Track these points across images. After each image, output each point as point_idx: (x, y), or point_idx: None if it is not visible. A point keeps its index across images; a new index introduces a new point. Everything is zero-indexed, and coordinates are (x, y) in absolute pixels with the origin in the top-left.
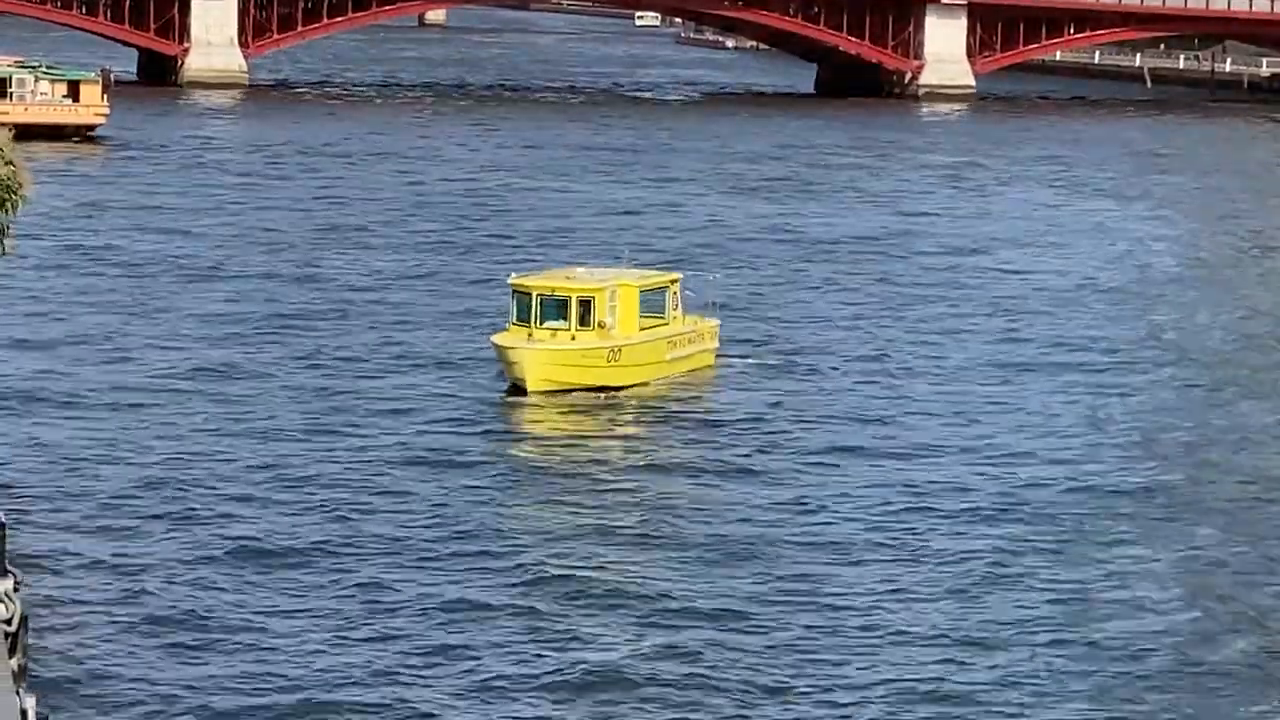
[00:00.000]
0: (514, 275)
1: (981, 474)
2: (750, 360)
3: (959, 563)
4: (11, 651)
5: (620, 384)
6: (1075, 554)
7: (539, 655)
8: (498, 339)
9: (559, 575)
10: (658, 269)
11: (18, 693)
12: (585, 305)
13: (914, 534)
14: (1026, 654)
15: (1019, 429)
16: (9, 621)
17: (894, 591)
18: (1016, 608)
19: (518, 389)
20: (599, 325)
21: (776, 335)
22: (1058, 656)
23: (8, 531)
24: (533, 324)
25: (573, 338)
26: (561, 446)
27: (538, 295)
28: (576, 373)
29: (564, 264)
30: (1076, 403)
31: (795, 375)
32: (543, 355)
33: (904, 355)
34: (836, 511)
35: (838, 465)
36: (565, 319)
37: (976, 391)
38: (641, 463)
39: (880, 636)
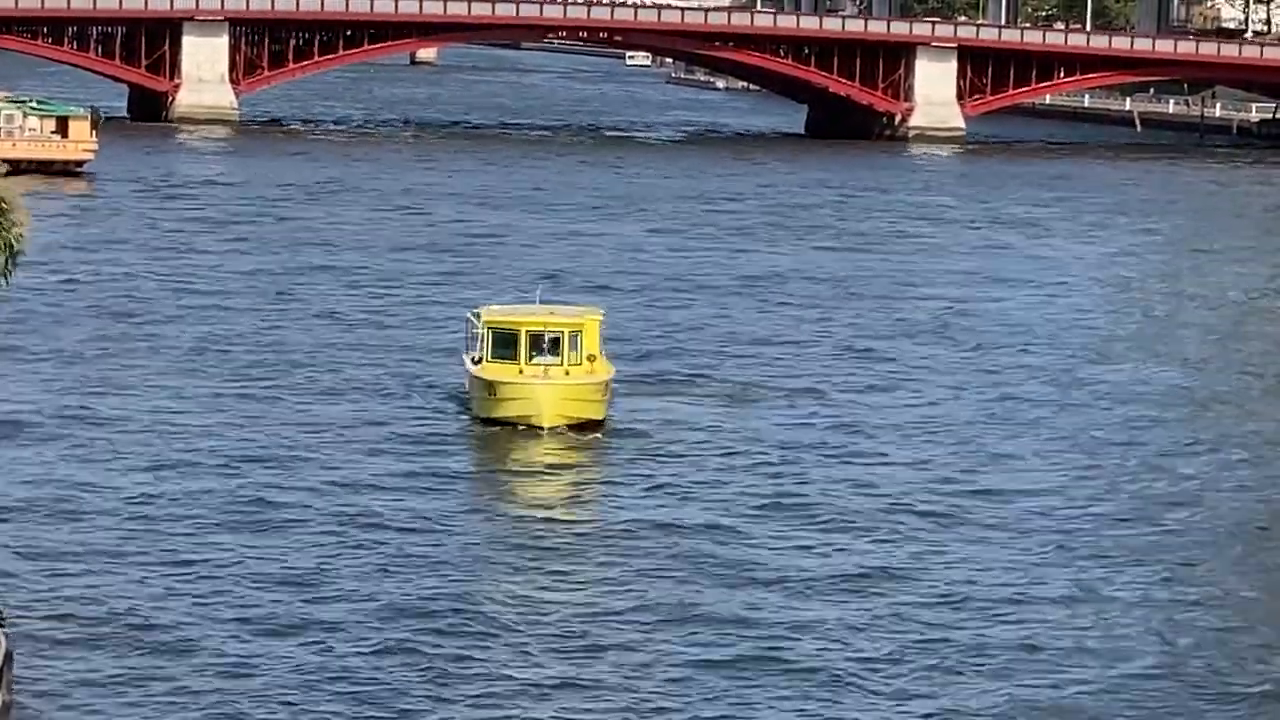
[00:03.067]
0: (488, 310)
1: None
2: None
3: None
4: None
5: (601, 418)
6: (1017, 593)
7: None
8: (491, 375)
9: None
10: (571, 305)
11: None
12: (574, 340)
13: (871, 562)
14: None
15: (978, 461)
16: None
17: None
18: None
19: (507, 424)
20: (589, 359)
21: (694, 370)
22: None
23: None
24: (522, 360)
25: (566, 373)
26: (569, 485)
27: (527, 331)
28: (579, 407)
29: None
30: (1026, 437)
31: (707, 406)
32: (559, 391)
33: (828, 389)
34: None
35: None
36: (557, 354)
37: (940, 428)
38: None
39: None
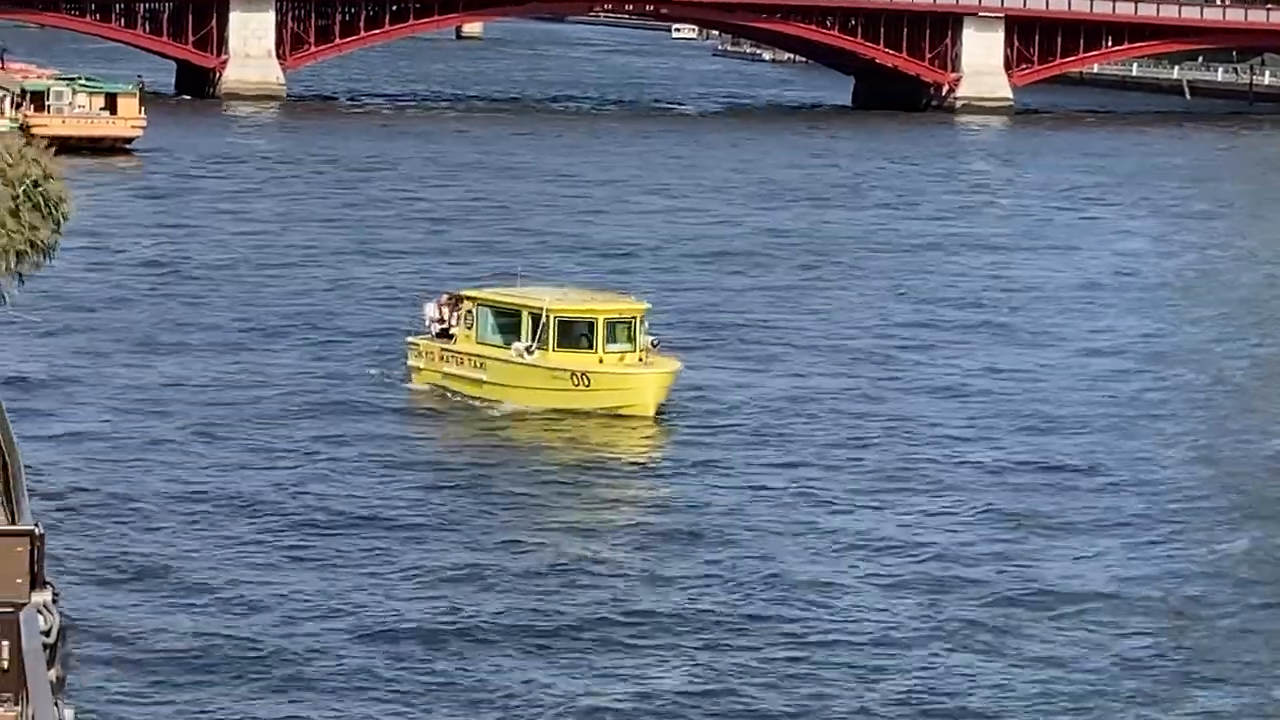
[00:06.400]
0: (551, 299)
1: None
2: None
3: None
4: (50, 663)
5: (664, 402)
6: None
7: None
8: (573, 364)
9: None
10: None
11: (56, 704)
12: (640, 326)
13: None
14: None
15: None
16: (48, 633)
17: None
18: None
19: (595, 414)
20: (653, 345)
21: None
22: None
23: (46, 542)
24: (599, 349)
25: (640, 359)
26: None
27: (605, 319)
28: (666, 394)
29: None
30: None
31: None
32: (658, 379)
33: (874, 356)
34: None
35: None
36: (630, 341)
37: (986, 393)
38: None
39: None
